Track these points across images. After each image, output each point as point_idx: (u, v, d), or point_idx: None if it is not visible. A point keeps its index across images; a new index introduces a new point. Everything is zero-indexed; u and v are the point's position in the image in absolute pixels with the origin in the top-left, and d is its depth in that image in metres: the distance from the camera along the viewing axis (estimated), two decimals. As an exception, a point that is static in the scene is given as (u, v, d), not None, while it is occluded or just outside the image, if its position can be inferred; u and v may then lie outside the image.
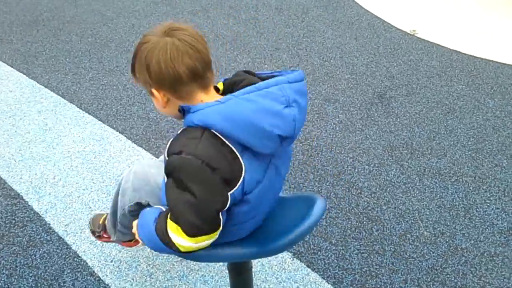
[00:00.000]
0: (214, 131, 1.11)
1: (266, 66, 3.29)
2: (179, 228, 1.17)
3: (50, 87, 2.96)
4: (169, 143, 1.17)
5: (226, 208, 1.16)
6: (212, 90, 1.22)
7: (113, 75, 3.11)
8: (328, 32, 3.78)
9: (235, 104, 1.10)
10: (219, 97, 1.18)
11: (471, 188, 2.36)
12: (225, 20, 3.89)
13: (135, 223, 1.35)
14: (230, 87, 1.25)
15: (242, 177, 1.14)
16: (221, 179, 1.12)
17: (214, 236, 1.20)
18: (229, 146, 1.12)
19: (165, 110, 1.24)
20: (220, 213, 1.17)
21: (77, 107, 2.80)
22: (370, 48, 3.58)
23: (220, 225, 1.19)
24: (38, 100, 2.85)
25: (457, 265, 1.97)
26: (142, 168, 1.55)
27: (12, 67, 3.16)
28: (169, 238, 1.20)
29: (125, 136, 2.58)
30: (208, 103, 1.13)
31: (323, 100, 2.96)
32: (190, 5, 4.11)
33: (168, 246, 1.21)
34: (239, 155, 1.13)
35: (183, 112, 1.18)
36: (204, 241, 1.19)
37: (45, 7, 3.98)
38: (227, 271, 1.71)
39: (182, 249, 1.21)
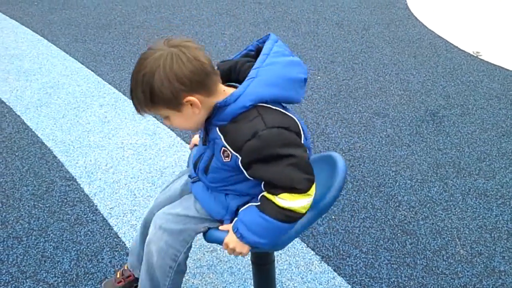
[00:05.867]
0: (262, 104, 1.22)
1: (319, 77, 3.34)
2: (292, 193, 1.23)
3: (114, 84, 3.18)
4: (228, 140, 1.22)
5: None
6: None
7: (172, 77, 3.29)
8: (387, 49, 3.77)
9: (267, 72, 1.22)
10: (231, 86, 1.28)
11: (518, 212, 2.27)
12: (285, 32, 3.99)
13: (231, 238, 1.33)
14: (229, 76, 1.33)
15: (300, 127, 1.28)
16: (295, 133, 1.25)
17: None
18: (278, 109, 1.25)
19: (196, 118, 1.25)
20: None
21: (135, 103, 2.98)
22: (429, 67, 3.53)
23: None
24: (101, 95, 3.07)
25: (492, 287, 1.90)
26: (165, 216, 1.45)
27: (82, 64, 3.42)
28: (289, 210, 1.24)
29: (175, 133, 2.72)
30: (241, 86, 1.21)
31: (372, 114, 2.96)
32: (253, 17, 4.25)
33: (290, 220, 1.26)
34: (287, 112, 1.27)
35: (216, 110, 1.22)
36: (314, 190, 1.27)
37: (118, 12, 4.28)
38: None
39: (305, 210, 1.26)
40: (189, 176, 1.51)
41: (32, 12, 4.25)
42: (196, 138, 1.67)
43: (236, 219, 1.33)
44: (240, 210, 1.34)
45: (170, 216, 1.44)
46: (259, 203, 1.29)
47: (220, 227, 1.40)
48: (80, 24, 4.05)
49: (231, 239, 1.33)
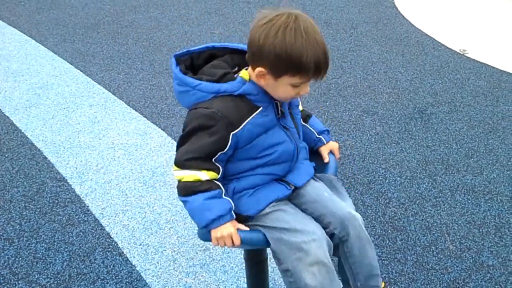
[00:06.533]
0: None
1: (308, 76, 3.35)
2: None
3: (103, 84, 3.18)
4: None
5: None
6: None
7: (162, 77, 3.29)
8: (375, 48, 3.80)
9: None
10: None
11: (505, 207, 2.31)
12: (274, 31, 4.00)
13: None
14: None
15: None
16: None
17: None
18: None
19: None
20: None
21: (125, 103, 2.98)
22: (416, 65, 3.57)
23: None
24: (91, 95, 3.06)
25: (481, 281, 1.93)
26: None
27: (71, 64, 3.41)
28: None
29: (166, 132, 2.72)
30: None
31: (361, 112, 2.99)
32: (242, 16, 4.26)
33: None
34: None
35: None
36: None
37: (107, 12, 4.26)
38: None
39: None
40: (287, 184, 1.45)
41: (19, 12, 4.22)
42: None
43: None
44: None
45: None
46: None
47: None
48: (68, 24, 4.03)
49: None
